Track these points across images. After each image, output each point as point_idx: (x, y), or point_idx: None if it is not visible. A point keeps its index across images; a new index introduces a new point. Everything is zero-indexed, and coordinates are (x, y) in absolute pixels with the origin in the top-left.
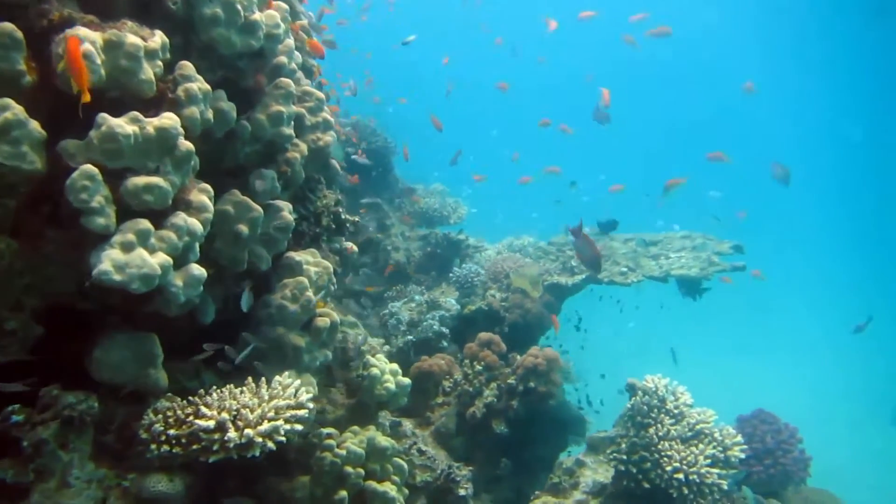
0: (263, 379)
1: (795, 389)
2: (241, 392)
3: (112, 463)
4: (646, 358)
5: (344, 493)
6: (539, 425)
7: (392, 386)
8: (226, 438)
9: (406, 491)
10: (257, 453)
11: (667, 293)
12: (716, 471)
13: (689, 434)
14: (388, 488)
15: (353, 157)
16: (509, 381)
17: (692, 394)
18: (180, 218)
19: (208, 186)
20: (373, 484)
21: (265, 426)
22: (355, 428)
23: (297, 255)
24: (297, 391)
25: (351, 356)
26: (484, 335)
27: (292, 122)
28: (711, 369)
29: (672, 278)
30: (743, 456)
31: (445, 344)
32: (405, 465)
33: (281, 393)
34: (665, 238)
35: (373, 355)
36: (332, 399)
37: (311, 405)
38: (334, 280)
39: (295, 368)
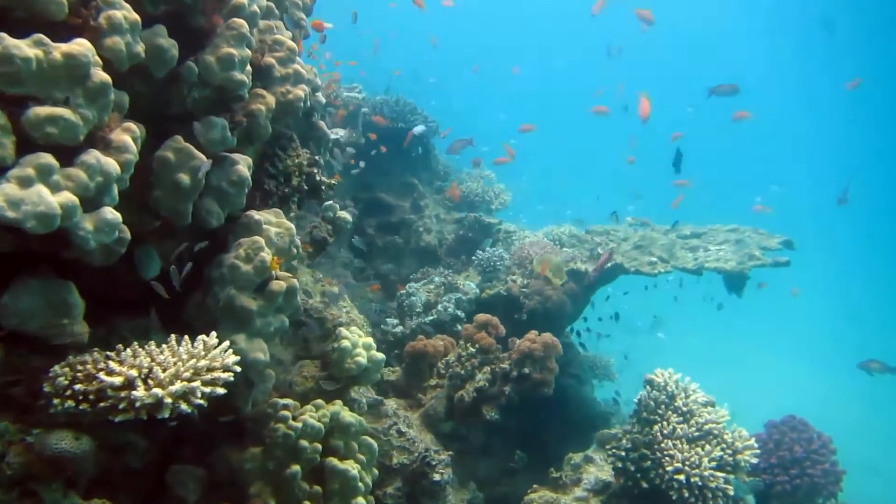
0: (186, 338)
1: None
2: (161, 350)
3: (17, 416)
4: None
5: (297, 468)
6: (544, 417)
7: (363, 360)
8: (131, 396)
9: (376, 472)
10: (167, 415)
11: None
12: (721, 474)
13: (697, 434)
14: (350, 466)
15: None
16: (503, 365)
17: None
18: (92, 156)
19: (134, 126)
20: (333, 461)
21: (177, 386)
22: (319, 401)
23: (258, 214)
24: (222, 353)
25: (329, 328)
26: (482, 316)
27: (246, 68)
28: (771, 373)
29: (708, 271)
30: (754, 461)
31: (460, 328)
32: (374, 445)
33: (202, 353)
34: (710, 230)
35: (348, 328)
36: (304, 371)
37: (237, 368)
38: (298, 243)
39: (245, 332)
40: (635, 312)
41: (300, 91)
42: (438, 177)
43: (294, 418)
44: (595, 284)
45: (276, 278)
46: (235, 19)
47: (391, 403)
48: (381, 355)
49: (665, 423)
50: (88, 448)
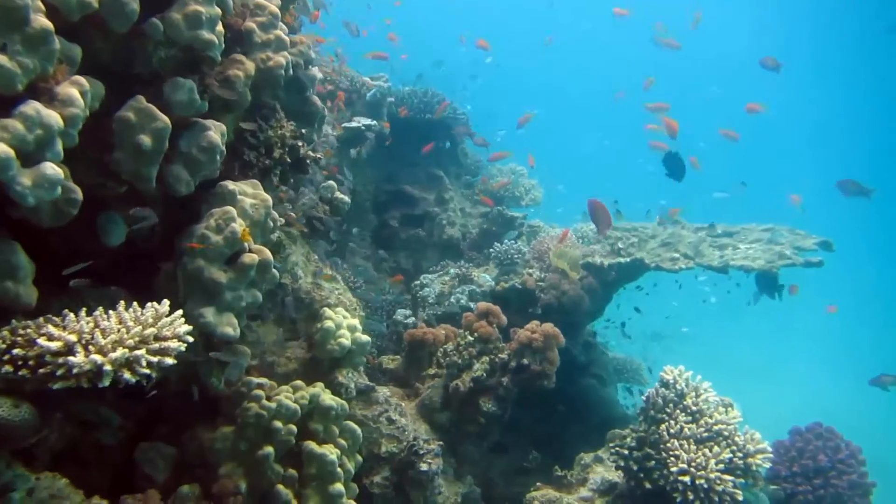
0: (135, 304)
1: None
2: (108, 317)
3: None
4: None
5: (269, 450)
6: (562, 417)
7: (346, 342)
8: (69, 362)
9: (360, 458)
10: (107, 383)
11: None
12: (729, 478)
13: (706, 435)
14: (329, 451)
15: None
16: (502, 355)
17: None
18: (31, 107)
19: (83, 80)
20: (310, 444)
21: (118, 353)
22: (298, 383)
23: (233, 185)
24: (173, 321)
25: (316, 309)
26: (483, 305)
27: (217, 28)
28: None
29: (734, 269)
30: (767, 465)
31: None
32: (358, 430)
33: (150, 321)
34: (743, 229)
35: (334, 309)
36: (288, 352)
37: (190, 339)
38: (275, 216)
39: (214, 305)
40: (659, 316)
41: (281, 58)
42: (468, 171)
43: (268, 398)
44: (617, 281)
45: (250, 251)
46: None
47: (384, 391)
48: (366, 337)
49: (673, 421)
50: (29, 416)
